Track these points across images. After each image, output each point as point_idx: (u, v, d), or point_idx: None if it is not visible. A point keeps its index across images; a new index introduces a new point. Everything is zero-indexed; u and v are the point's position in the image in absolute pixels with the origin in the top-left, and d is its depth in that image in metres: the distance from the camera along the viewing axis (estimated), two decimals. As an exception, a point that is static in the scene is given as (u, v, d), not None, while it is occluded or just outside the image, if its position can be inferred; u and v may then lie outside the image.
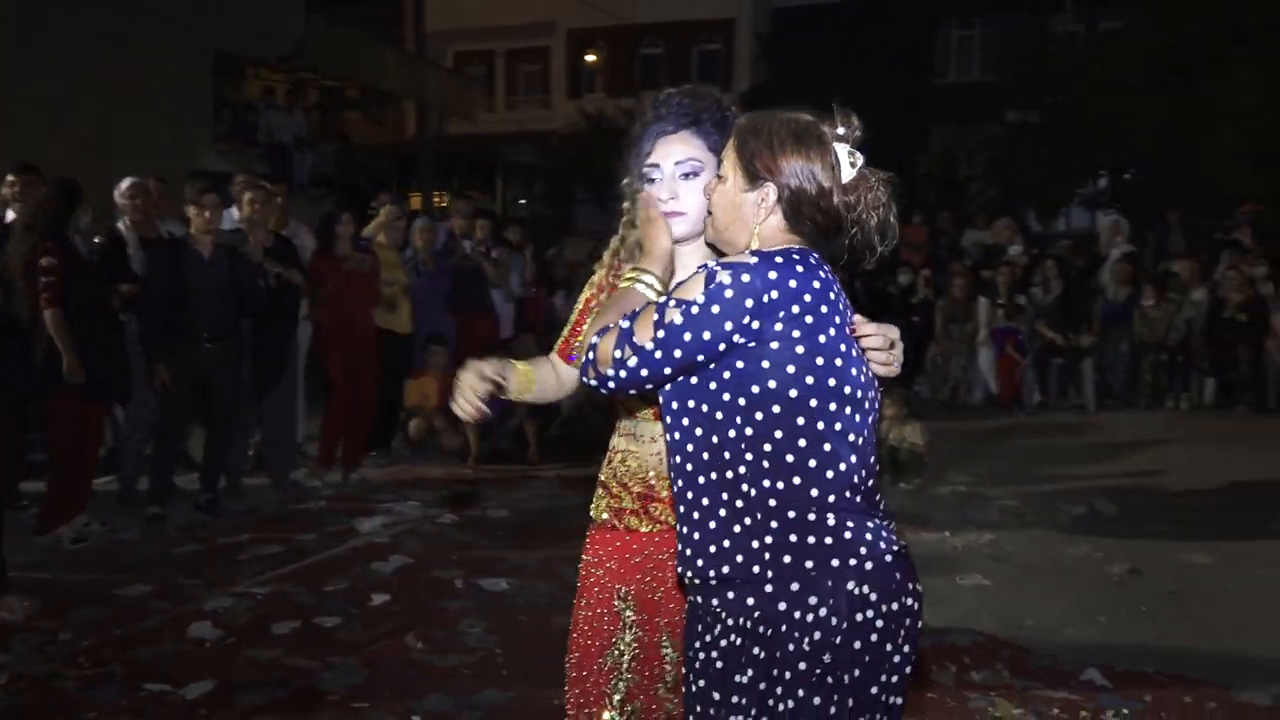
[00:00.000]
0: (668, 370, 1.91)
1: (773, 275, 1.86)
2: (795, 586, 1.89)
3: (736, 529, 1.94)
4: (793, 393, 1.90)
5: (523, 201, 26.78)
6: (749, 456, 1.93)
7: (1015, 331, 10.39)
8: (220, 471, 6.49)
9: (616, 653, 2.37)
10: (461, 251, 8.82)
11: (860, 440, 1.97)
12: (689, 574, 2.01)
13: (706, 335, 1.86)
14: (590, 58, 28.55)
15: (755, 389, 1.90)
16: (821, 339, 1.91)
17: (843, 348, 1.95)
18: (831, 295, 1.95)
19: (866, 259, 2.06)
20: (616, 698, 2.36)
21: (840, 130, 2.00)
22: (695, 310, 1.86)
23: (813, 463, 1.91)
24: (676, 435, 2.02)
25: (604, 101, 25.18)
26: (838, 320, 1.95)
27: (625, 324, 1.94)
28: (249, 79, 16.68)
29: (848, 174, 1.99)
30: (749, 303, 1.85)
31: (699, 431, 1.98)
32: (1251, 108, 16.45)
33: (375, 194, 11.46)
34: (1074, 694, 4.07)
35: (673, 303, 1.90)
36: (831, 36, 23.53)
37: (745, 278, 1.85)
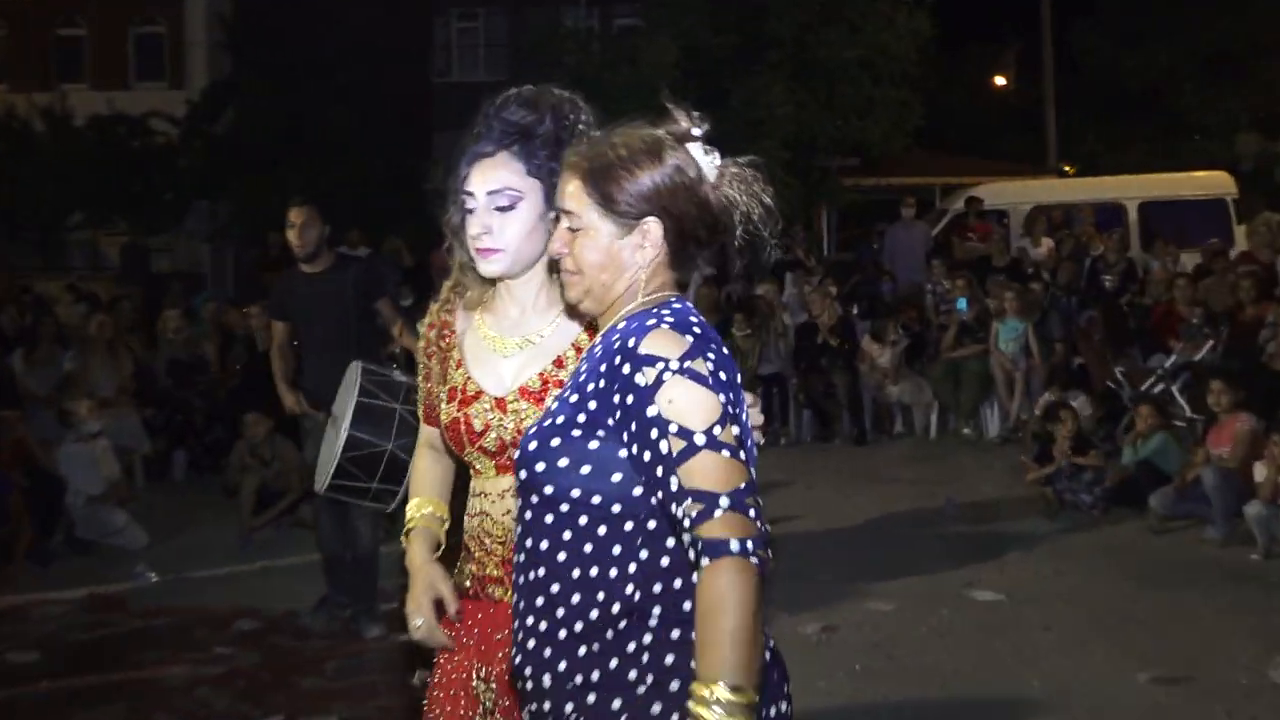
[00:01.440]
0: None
1: (714, 346, 1.97)
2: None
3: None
4: None
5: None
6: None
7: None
8: None
9: None
10: None
11: None
12: None
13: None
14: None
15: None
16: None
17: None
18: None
19: (766, 253, 2.18)
20: None
21: (692, 129, 2.06)
22: (732, 410, 1.93)
23: None
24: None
25: (10, 97, 23.10)
26: None
27: (725, 501, 1.87)
28: None
29: (712, 172, 2.06)
30: (732, 378, 1.98)
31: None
32: (786, 118, 18.69)
33: None
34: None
35: (716, 429, 1.89)
36: (309, 25, 23.26)
37: (712, 355, 1.95)
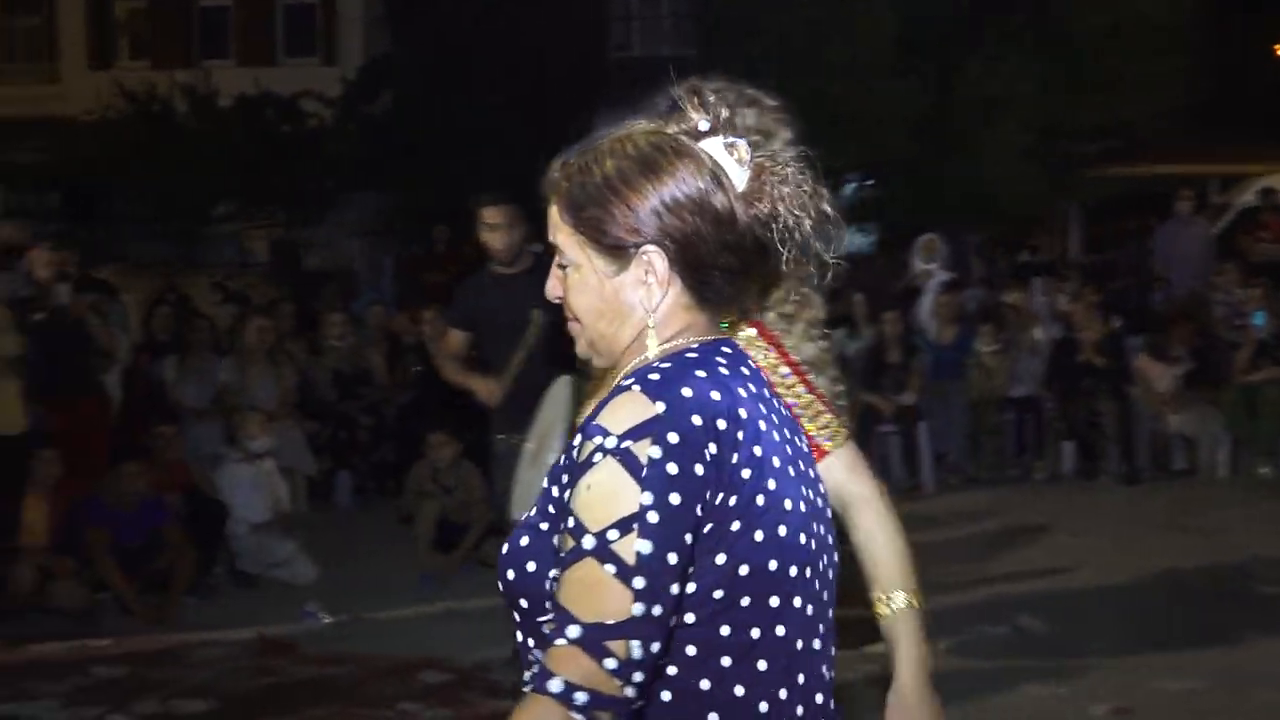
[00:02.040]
0: (672, 617, 1.69)
1: (696, 420, 1.70)
2: None
3: None
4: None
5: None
6: None
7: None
8: None
9: None
10: (55, 303, 8.01)
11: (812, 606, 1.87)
12: None
13: (688, 538, 1.68)
14: (124, 9, 27.13)
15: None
16: (761, 469, 1.80)
17: (780, 479, 1.82)
18: (750, 407, 1.82)
19: (824, 275, 2.00)
20: None
21: (700, 123, 1.85)
22: (654, 518, 1.64)
23: None
24: None
25: (152, 75, 23.96)
26: (767, 435, 1.83)
27: (574, 630, 1.63)
28: None
29: (740, 175, 1.83)
30: (699, 470, 1.68)
31: None
32: (1028, 95, 18.18)
33: None
34: None
35: (612, 533, 1.64)
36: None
37: (674, 438, 1.67)
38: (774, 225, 1.81)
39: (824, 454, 2.23)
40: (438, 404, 8.91)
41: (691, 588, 1.70)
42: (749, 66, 21.31)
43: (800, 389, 2.31)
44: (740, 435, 1.72)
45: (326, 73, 24.57)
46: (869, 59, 19.03)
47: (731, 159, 1.81)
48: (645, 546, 1.61)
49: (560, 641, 1.61)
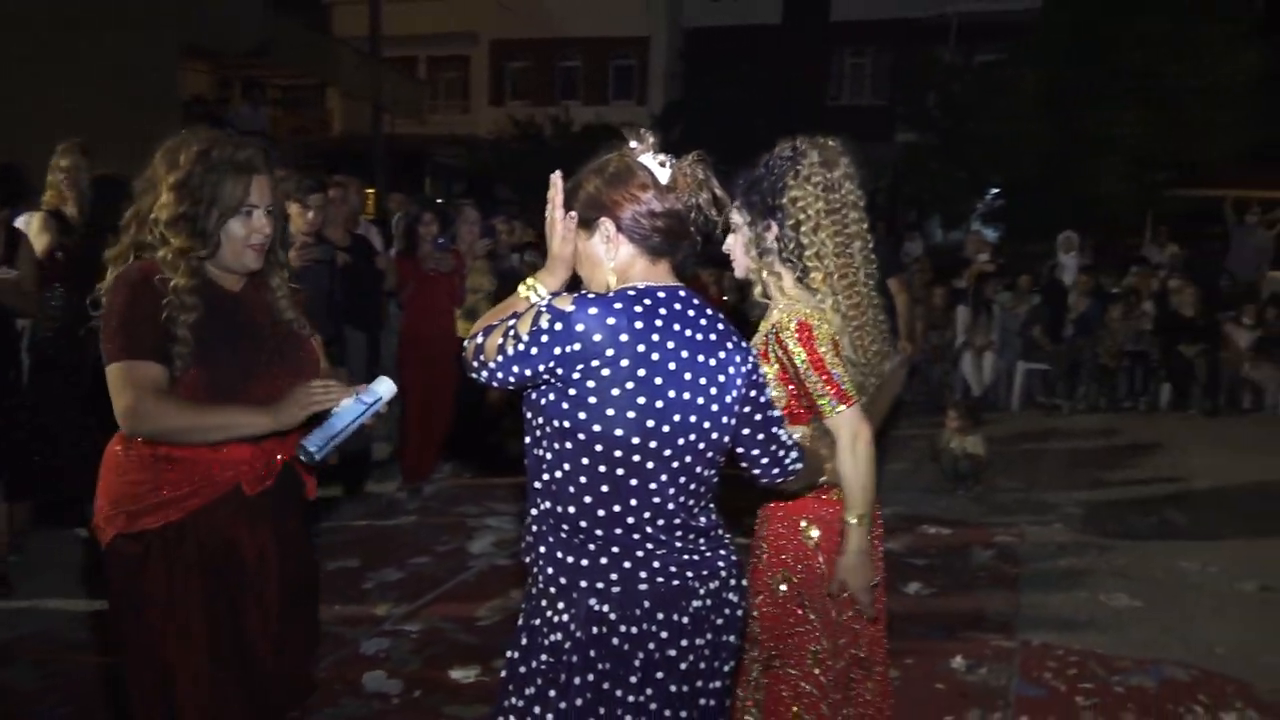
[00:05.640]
0: (510, 383, 1.91)
1: (579, 328, 1.83)
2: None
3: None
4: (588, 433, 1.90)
5: (440, 201, 25.35)
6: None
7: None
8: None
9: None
10: (508, 265, 7.74)
11: (655, 485, 1.92)
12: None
13: (528, 371, 1.87)
14: (513, 66, 27.27)
15: (556, 422, 1.90)
16: (626, 386, 1.86)
17: (652, 395, 1.88)
18: (656, 339, 1.87)
19: (714, 233, 2.11)
20: None
21: (635, 145, 1.96)
22: (520, 347, 1.86)
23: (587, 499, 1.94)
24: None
25: (530, 109, 24.10)
26: (660, 364, 1.88)
27: (481, 336, 1.96)
28: (210, 73, 15.10)
29: (665, 176, 1.93)
30: (556, 350, 1.84)
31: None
32: (1130, 138, 16.82)
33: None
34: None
35: (513, 332, 1.88)
36: (736, 59, 23.18)
37: (559, 326, 1.84)
38: (686, 204, 1.93)
39: (824, 416, 2.35)
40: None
41: (542, 402, 1.89)
42: (930, 113, 20.25)
43: (815, 376, 2.33)
44: (609, 351, 1.81)
45: (639, 110, 24.38)
46: (1013, 110, 17.85)
47: (657, 166, 1.92)
48: (510, 349, 1.86)
49: (479, 336, 1.95)
